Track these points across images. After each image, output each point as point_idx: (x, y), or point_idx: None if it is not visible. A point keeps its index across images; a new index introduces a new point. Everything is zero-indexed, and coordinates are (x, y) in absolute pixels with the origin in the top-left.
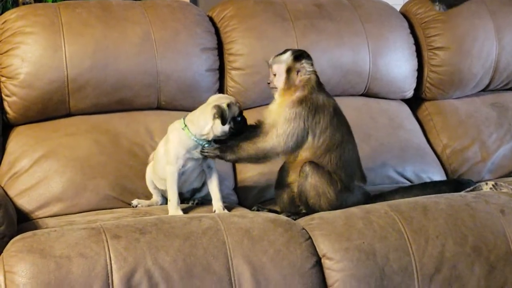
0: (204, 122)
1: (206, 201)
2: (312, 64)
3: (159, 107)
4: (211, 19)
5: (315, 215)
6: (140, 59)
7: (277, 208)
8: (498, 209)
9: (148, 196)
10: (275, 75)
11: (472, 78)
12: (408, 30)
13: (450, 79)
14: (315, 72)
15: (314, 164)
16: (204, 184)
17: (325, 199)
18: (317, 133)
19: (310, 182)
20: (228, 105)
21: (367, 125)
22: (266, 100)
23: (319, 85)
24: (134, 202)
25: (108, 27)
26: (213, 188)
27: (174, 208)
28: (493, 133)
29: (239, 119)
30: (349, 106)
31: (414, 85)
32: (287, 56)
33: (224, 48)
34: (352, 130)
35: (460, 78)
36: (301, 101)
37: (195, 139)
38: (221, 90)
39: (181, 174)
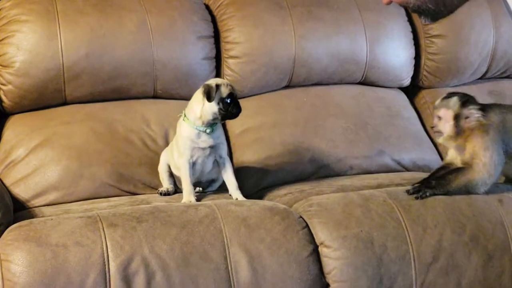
0: (196, 105)
1: (220, 190)
2: (479, 109)
3: (155, 96)
4: (207, 7)
5: (314, 201)
6: (136, 47)
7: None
8: (496, 198)
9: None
10: (440, 118)
11: (469, 66)
12: (406, 18)
13: (447, 67)
14: (483, 110)
15: None
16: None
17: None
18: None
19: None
20: (217, 85)
21: (364, 113)
22: (263, 89)
23: (489, 116)
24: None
25: (104, 15)
26: (229, 177)
27: (188, 195)
28: None
29: (228, 100)
30: (346, 95)
31: (411, 73)
32: (454, 102)
33: (221, 36)
34: (349, 118)
35: (457, 66)
36: (487, 131)
37: (195, 127)
38: None
39: (192, 164)
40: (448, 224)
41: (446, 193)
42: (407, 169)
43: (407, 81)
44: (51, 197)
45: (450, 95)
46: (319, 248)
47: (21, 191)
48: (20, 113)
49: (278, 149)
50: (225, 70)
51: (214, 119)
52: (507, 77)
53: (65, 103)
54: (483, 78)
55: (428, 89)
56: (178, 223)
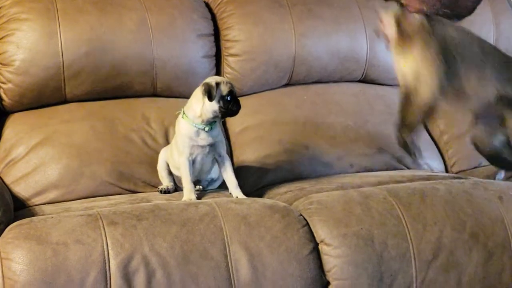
0: (196, 104)
1: (221, 189)
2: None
3: (155, 94)
4: (207, 5)
5: (314, 199)
6: (136, 45)
7: None
8: (497, 195)
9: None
10: (381, 22)
11: None
12: None
13: None
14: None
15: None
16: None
17: None
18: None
19: None
20: (217, 83)
21: (364, 111)
22: (262, 87)
23: (431, 25)
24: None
25: (104, 13)
26: (228, 176)
27: (188, 193)
28: None
29: (228, 98)
30: (346, 92)
31: None
32: (393, 3)
33: (221, 34)
34: (349, 116)
35: None
36: (428, 43)
37: (194, 124)
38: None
39: (191, 162)
40: (448, 221)
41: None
42: (407, 167)
43: None
44: (51, 195)
45: None
46: (319, 246)
47: (22, 190)
48: (20, 111)
49: (278, 147)
50: (225, 68)
51: (215, 117)
52: None
53: (65, 101)
54: None
55: None
56: (178, 221)
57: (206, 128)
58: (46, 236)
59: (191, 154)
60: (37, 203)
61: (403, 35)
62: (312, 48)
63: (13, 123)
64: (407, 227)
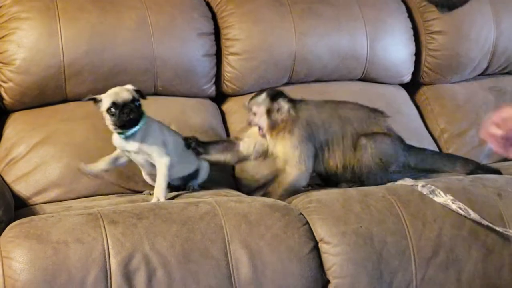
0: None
1: (204, 187)
2: (287, 100)
3: (156, 93)
4: (207, 4)
5: (313, 197)
6: (136, 44)
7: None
8: (495, 192)
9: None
10: (255, 114)
11: (470, 62)
12: (406, 14)
13: (447, 63)
14: (292, 104)
15: (368, 135)
16: (198, 170)
17: (391, 160)
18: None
19: (371, 152)
20: (101, 99)
21: None
22: (263, 85)
23: (297, 112)
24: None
25: (104, 12)
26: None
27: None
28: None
29: (112, 110)
30: (346, 91)
31: (411, 69)
32: (264, 97)
33: (221, 33)
34: None
35: (458, 62)
36: (292, 131)
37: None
38: (218, 75)
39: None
40: (447, 218)
41: (280, 198)
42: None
43: (407, 78)
44: (52, 194)
45: (259, 92)
46: (319, 244)
47: (22, 189)
48: (21, 110)
49: None
50: (226, 67)
51: (114, 128)
52: (508, 73)
53: (65, 100)
54: (483, 74)
55: (428, 86)
56: (179, 220)
57: (122, 135)
58: (47, 235)
59: (120, 157)
60: (37, 202)
61: (274, 125)
62: (313, 46)
63: (14, 122)
64: (406, 225)
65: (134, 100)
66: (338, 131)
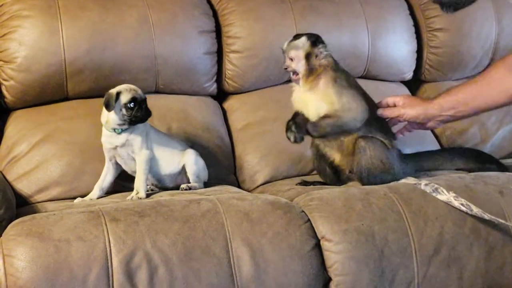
0: (103, 110)
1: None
2: (327, 48)
3: (157, 91)
4: (209, 2)
5: (315, 195)
6: (137, 42)
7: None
8: (497, 190)
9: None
10: (292, 59)
11: (472, 59)
12: (407, 12)
13: (449, 60)
14: (331, 55)
15: (366, 137)
16: (183, 168)
17: (385, 167)
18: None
19: (370, 155)
20: (118, 92)
21: None
22: (264, 83)
23: (337, 65)
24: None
25: (105, 10)
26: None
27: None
28: (492, 115)
29: (131, 105)
30: None
31: (413, 67)
32: (304, 42)
33: (222, 31)
34: None
35: (460, 59)
36: (335, 79)
37: (107, 129)
38: (219, 73)
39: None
40: (449, 216)
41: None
42: None
43: (409, 75)
44: (53, 192)
45: (297, 36)
46: (321, 242)
47: (24, 187)
48: (22, 108)
49: (280, 144)
50: (227, 65)
51: (120, 123)
52: None
53: (67, 98)
54: None
55: (430, 83)
56: (180, 218)
57: (119, 131)
58: (48, 233)
59: (112, 157)
60: (39, 200)
61: (312, 70)
62: None
63: (15, 120)
64: (408, 223)
65: (146, 99)
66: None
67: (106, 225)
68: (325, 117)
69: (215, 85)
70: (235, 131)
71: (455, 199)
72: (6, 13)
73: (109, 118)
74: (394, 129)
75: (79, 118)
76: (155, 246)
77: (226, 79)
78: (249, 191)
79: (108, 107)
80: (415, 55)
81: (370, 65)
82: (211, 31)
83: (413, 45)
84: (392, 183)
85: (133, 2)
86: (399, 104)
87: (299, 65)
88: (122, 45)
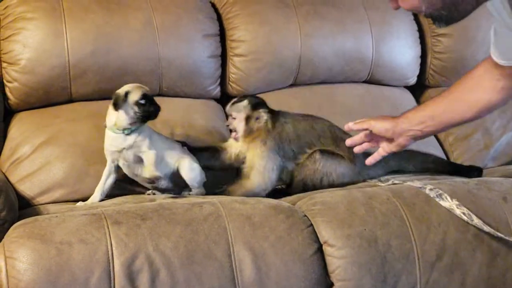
0: (111, 112)
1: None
2: (267, 111)
3: (161, 94)
4: (213, 5)
5: (317, 199)
6: (141, 45)
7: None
8: (501, 196)
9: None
10: (234, 119)
11: (476, 64)
12: (412, 17)
13: (453, 66)
14: (271, 115)
15: (323, 151)
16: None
17: (336, 177)
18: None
19: (317, 168)
20: (127, 92)
21: (370, 112)
22: (268, 87)
23: (273, 124)
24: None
25: (109, 12)
26: None
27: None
28: (496, 121)
29: (142, 101)
30: (351, 93)
31: (417, 72)
32: (245, 105)
33: (226, 35)
34: (354, 117)
35: (464, 65)
36: (265, 142)
37: (112, 132)
38: (223, 76)
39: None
40: (452, 222)
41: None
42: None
43: (413, 80)
44: (56, 194)
45: (241, 98)
46: (323, 247)
47: (26, 189)
48: (26, 110)
49: None
50: (231, 68)
51: (131, 121)
52: None
53: (70, 100)
54: None
55: (434, 88)
56: (183, 221)
57: (126, 132)
58: (51, 235)
59: (113, 161)
60: (42, 202)
61: (249, 132)
62: (318, 48)
63: (19, 122)
64: (411, 228)
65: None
66: (306, 145)
67: (108, 228)
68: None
69: (218, 89)
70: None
71: (457, 207)
72: (10, 15)
73: (119, 118)
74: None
75: (83, 120)
76: (157, 249)
77: (230, 83)
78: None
79: (117, 106)
80: (419, 60)
81: (374, 70)
82: (215, 35)
83: (417, 50)
84: (396, 186)
85: (137, 5)
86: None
87: (240, 126)
88: (126, 47)
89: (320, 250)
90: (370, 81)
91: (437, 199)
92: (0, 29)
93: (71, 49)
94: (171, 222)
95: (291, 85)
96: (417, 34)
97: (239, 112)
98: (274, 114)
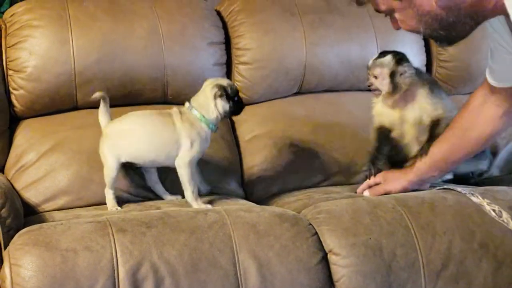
0: (207, 103)
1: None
2: (411, 66)
3: (166, 101)
4: (218, 14)
5: (322, 208)
6: (147, 53)
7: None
8: (506, 205)
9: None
10: (376, 77)
11: (481, 73)
12: None
13: (459, 74)
14: (415, 73)
15: None
16: None
17: None
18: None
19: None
20: (228, 84)
21: None
22: (273, 95)
23: (421, 77)
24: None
25: (115, 20)
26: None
27: (194, 200)
28: None
29: (236, 98)
30: (356, 101)
31: None
32: (389, 60)
33: (232, 43)
34: (359, 125)
35: (469, 73)
36: (427, 91)
37: (212, 127)
38: None
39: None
40: (457, 231)
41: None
42: None
43: None
44: (61, 201)
45: (383, 54)
46: (328, 256)
47: (32, 196)
48: (32, 117)
49: (287, 155)
50: (236, 76)
51: (225, 115)
52: None
53: (76, 108)
54: None
55: None
56: (187, 229)
57: (213, 126)
58: (56, 243)
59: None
60: (47, 209)
61: (395, 89)
62: (323, 56)
63: (25, 129)
64: (416, 237)
65: None
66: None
67: (113, 235)
68: (435, 124)
69: None
70: (243, 142)
71: (487, 205)
72: (16, 22)
73: (219, 108)
74: None
75: (88, 128)
76: (162, 257)
77: None
78: (256, 203)
79: (229, 97)
80: (424, 69)
81: None
82: (220, 43)
83: (423, 59)
84: (400, 195)
85: (143, 13)
86: (381, 182)
87: (383, 83)
88: (132, 55)
89: (325, 259)
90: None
91: (468, 195)
92: (6, 36)
93: (77, 57)
94: (176, 230)
95: (296, 93)
96: (422, 42)
97: (382, 68)
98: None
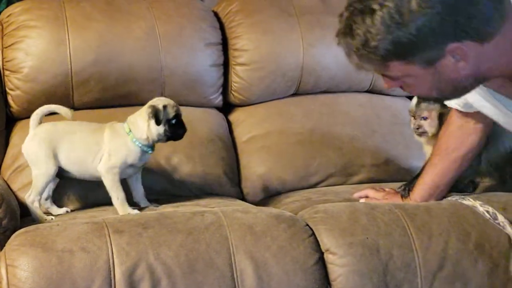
0: (142, 124)
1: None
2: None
3: None
4: (216, 14)
5: (319, 208)
6: (144, 53)
7: None
8: (500, 206)
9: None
10: (425, 119)
11: None
12: None
13: None
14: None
15: None
16: None
17: None
18: None
19: None
20: (164, 106)
21: (372, 122)
22: (270, 96)
23: None
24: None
25: (112, 21)
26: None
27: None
28: None
29: (173, 121)
30: (354, 103)
31: None
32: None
33: (229, 44)
34: (356, 126)
35: None
36: None
37: (140, 145)
38: (225, 85)
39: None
40: (453, 232)
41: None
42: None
43: None
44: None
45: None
46: (325, 255)
47: None
48: (28, 118)
49: (284, 157)
50: (233, 77)
51: (160, 139)
52: None
53: (73, 108)
54: None
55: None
56: (184, 230)
57: (149, 151)
58: (52, 244)
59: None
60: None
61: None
62: (320, 58)
63: (21, 130)
64: (413, 238)
65: None
66: None
67: (109, 236)
68: None
69: (221, 97)
70: (240, 143)
71: (480, 206)
72: (13, 23)
73: (150, 132)
74: None
75: None
76: (158, 258)
77: (232, 92)
78: (253, 204)
79: (158, 121)
80: None
81: (376, 79)
82: (217, 44)
83: None
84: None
85: (140, 13)
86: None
87: (432, 124)
88: (129, 56)
89: (321, 260)
90: (372, 90)
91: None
92: (3, 37)
93: (73, 57)
94: (173, 231)
95: (294, 94)
96: None
97: (431, 112)
98: None
